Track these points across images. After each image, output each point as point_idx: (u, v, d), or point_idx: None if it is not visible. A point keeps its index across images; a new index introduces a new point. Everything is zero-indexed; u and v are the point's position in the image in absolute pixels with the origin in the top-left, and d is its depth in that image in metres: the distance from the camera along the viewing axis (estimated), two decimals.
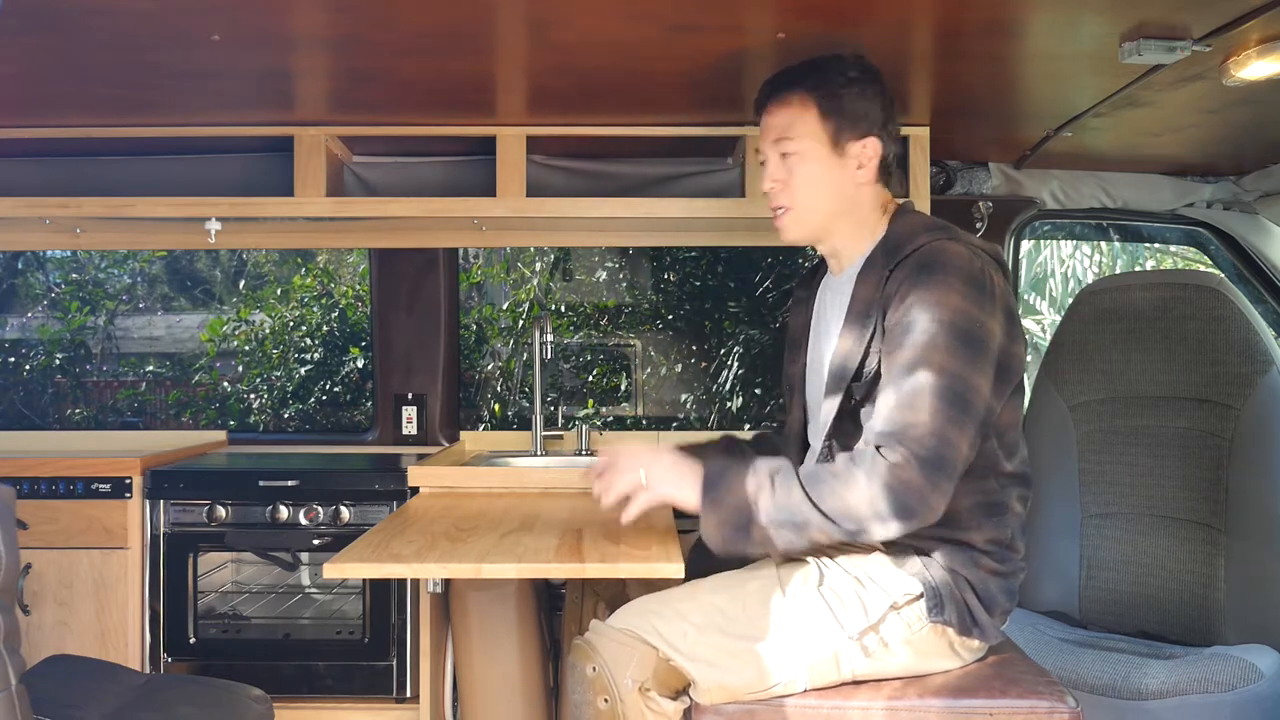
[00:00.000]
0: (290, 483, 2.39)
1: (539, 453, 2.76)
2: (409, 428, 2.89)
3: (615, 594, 1.87)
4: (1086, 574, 2.42)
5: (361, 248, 3.81)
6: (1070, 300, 2.69)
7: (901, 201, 1.70)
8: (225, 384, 5.91)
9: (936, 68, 2.01)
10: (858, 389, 1.57)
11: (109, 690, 1.74)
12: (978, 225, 2.74)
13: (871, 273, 1.59)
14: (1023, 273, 3.73)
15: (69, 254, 6.01)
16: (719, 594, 1.53)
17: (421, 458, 2.55)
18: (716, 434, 1.95)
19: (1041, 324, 6.04)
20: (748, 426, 5.11)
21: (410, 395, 2.89)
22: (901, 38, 1.80)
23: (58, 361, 5.90)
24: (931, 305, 1.46)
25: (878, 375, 1.53)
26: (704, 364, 5.33)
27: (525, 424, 3.30)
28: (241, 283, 6.49)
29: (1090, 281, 2.86)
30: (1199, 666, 1.98)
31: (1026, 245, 3.84)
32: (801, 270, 4.47)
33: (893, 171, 1.69)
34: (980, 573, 1.53)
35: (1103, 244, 6.03)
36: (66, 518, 2.37)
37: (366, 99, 2.25)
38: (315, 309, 5.55)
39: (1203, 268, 3.34)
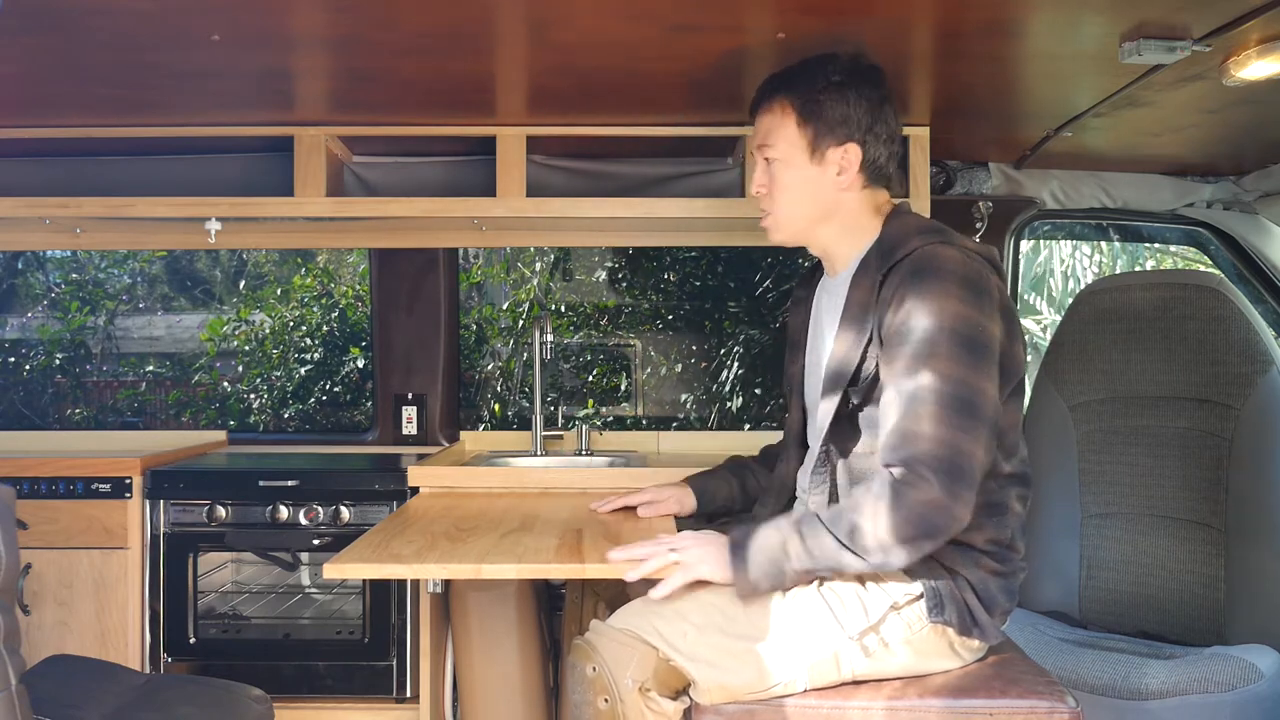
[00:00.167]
0: (290, 483, 2.39)
1: (539, 453, 2.76)
2: (409, 428, 2.89)
3: (615, 594, 1.87)
4: (1086, 574, 2.42)
5: (361, 248, 3.82)
6: (1070, 300, 2.69)
7: (897, 203, 1.69)
8: (225, 384, 5.91)
9: (936, 68, 2.01)
10: (854, 393, 1.57)
11: (109, 690, 1.74)
12: (978, 225, 2.74)
13: (865, 276, 1.59)
14: (1022, 272, 3.73)
15: (69, 254, 6.00)
16: (719, 594, 1.52)
17: (421, 458, 2.55)
18: (718, 439, 1.94)
19: (1041, 324, 6.04)
20: (748, 426, 5.11)
21: (410, 395, 2.89)
22: (901, 38, 1.80)
23: (58, 361, 5.90)
24: (930, 312, 1.45)
25: (875, 379, 1.53)
26: (704, 364, 5.33)
27: (525, 424, 3.30)
28: (241, 283, 6.48)
29: (1090, 281, 2.86)
30: (1199, 666, 1.98)
31: (1026, 245, 3.84)
32: (801, 270, 4.45)
33: (889, 174, 1.68)
34: (980, 573, 1.54)
35: (1103, 244, 6.03)
36: (66, 518, 2.37)
37: (366, 99, 2.25)
38: (315, 309, 5.54)
39: (1203, 268, 3.34)
